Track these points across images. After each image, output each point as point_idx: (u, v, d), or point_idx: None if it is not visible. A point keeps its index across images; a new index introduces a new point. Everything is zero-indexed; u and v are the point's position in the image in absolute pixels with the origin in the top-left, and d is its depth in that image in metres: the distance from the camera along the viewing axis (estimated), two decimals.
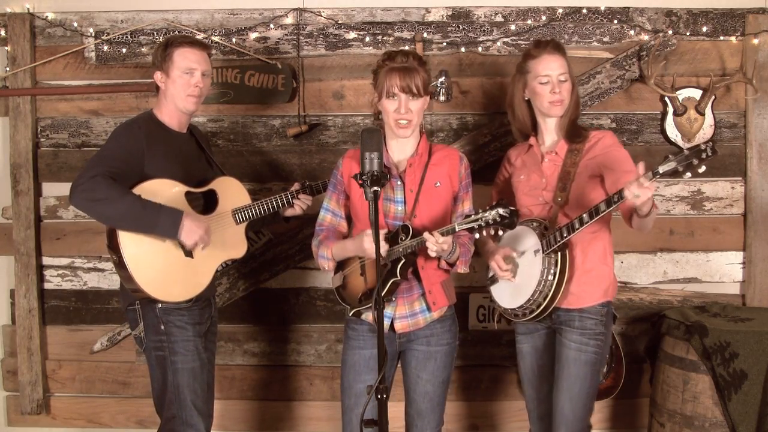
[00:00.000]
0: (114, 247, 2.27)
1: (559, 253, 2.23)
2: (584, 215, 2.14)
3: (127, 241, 2.25)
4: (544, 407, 2.45)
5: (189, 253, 2.34)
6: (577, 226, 2.16)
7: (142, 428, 3.29)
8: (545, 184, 2.36)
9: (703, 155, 1.85)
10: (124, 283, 2.36)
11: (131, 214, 2.20)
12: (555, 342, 2.37)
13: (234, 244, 2.50)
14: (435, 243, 2.07)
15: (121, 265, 2.27)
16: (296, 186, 2.63)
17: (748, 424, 2.61)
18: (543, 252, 2.24)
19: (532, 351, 2.45)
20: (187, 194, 2.38)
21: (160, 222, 2.23)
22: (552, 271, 2.23)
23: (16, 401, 3.28)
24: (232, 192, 2.52)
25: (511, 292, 2.36)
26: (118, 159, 2.26)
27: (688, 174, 1.88)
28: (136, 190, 2.26)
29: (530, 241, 2.30)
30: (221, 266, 2.52)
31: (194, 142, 2.55)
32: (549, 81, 2.32)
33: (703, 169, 1.87)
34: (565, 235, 2.19)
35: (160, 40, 3.09)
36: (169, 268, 2.31)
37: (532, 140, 2.43)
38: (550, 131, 2.41)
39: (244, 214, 2.51)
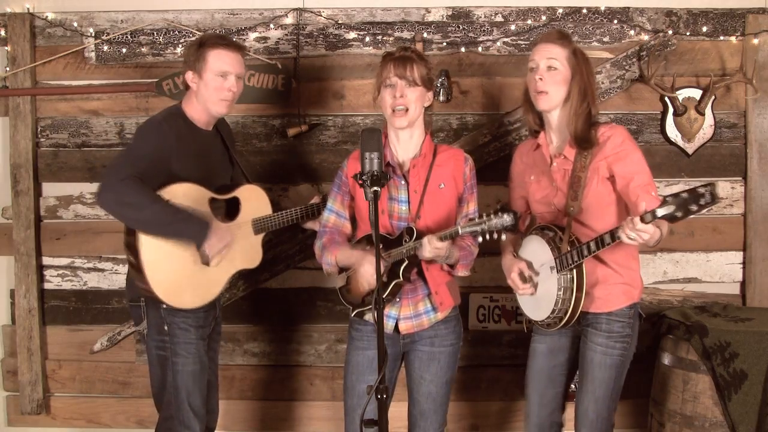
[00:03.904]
0: (132, 248, 2.24)
1: (575, 270, 2.15)
2: (592, 244, 2.07)
3: (148, 245, 2.23)
4: (545, 413, 2.38)
5: (206, 261, 2.34)
6: (585, 252, 2.10)
7: (142, 428, 3.28)
8: (556, 191, 2.27)
9: (702, 201, 1.77)
10: (136, 281, 2.32)
11: (160, 220, 2.18)
12: (572, 345, 2.33)
13: (250, 255, 2.48)
14: (430, 249, 2.07)
15: (137, 267, 2.25)
16: (316, 199, 2.57)
17: (748, 424, 2.61)
18: (558, 271, 2.17)
19: (546, 352, 2.36)
20: (211, 200, 2.37)
21: (188, 231, 2.23)
22: (569, 289, 2.16)
23: (16, 401, 3.28)
24: (254, 201, 2.50)
25: (533, 304, 2.31)
26: (147, 159, 2.22)
27: (687, 217, 1.81)
28: (165, 194, 2.22)
29: (545, 255, 2.23)
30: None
31: (220, 139, 2.52)
32: (536, 67, 2.21)
33: (702, 211, 1.81)
34: (576, 259, 2.12)
35: (161, 40, 3.10)
36: (184, 274, 2.30)
37: (540, 139, 2.31)
38: (554, 129, 2.28)
39: (264, 225, 2.49)
